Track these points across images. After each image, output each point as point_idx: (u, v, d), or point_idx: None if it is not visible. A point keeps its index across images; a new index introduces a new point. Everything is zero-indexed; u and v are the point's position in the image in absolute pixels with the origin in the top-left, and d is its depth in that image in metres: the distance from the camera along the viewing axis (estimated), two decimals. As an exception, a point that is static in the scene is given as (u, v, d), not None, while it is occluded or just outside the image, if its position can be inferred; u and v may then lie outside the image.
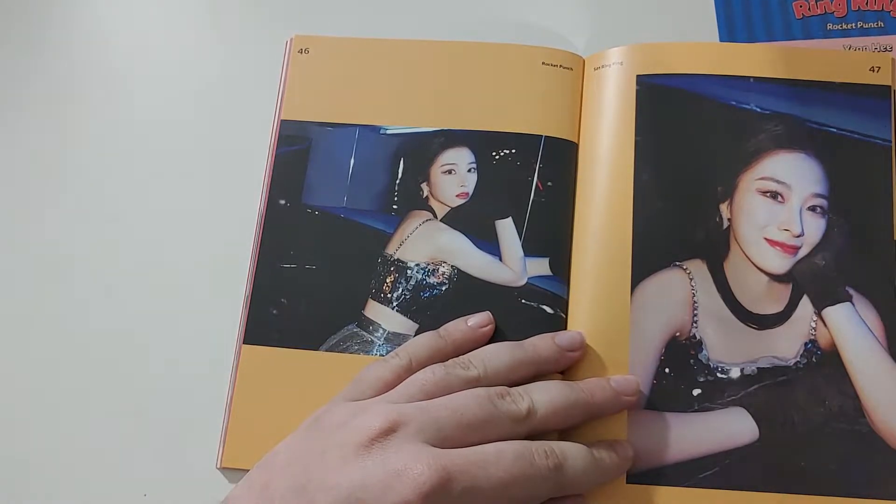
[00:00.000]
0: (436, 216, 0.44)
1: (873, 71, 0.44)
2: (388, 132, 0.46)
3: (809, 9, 0.48)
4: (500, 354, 0.38)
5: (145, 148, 0.49)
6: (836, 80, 0.44)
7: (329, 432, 0.34)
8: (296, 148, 0.46)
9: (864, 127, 0.43)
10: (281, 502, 0.32)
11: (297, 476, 0.32)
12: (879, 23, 0.47)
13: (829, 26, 0.48)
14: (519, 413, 0.35)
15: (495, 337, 0.41)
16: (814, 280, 0.41)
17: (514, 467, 0.33)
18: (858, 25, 0.47)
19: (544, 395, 0.36)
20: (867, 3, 0.47)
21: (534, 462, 0.33)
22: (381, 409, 0.34)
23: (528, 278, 0.42)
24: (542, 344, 0.39)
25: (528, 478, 0.33)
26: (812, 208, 0.42)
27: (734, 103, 0.44)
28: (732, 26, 0.48)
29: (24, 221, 0.48)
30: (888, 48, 0.46)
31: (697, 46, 0.46)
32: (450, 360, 0.38)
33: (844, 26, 0.47)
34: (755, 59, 0.45)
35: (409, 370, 0.37)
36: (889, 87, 0.44)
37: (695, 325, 0.41)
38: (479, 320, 0.40)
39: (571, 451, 0.35)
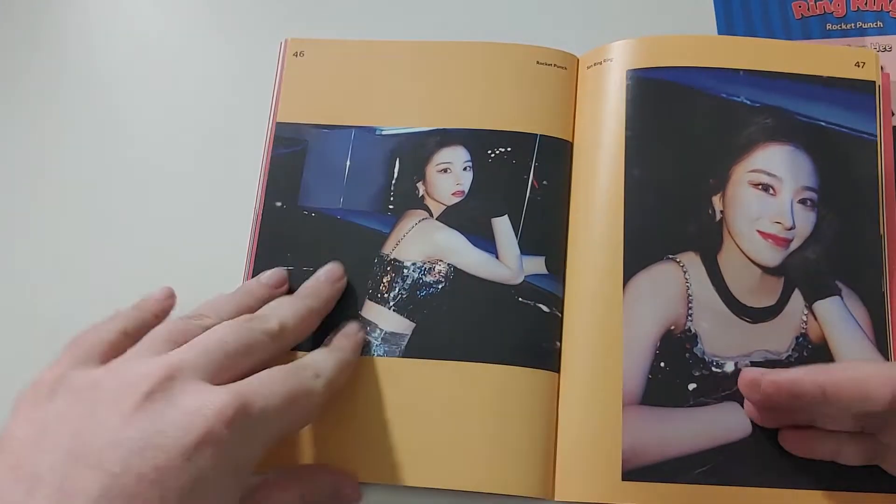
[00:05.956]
0: (432, 215, 0.44)
1: (858, 66, 0.44)
2: (384, 133, 0.46)
3: (809, 9, 0.48)
4: (226, 303, 0.39)
5: (140, 151, 0.49)
6: (823, 74, 0.44)
7: (83, 395, 0.32)
8: (291, 150, 0.46)
9: (850, 121, 0.44)
10: (53, 476, 0.29)
11: (64, 444, 0.30)
12: (879, 23, 0.47)
13: (829, 26, 0.48)
14: (273, 329, 0.37)
15: (493, 335, 0.41)
16: (805, 274, 0.42)
17: (287, 382, 0.34)
18: (858, 25, 0.48)
19: (286, 310, 0.38)
20: (866, 4, 0.48)
21: (298, 374, 0.35)
22: (149, 360, 0.33)
23: (525, 277, 0.43)
24: (252, 285, 0.42)
25: (302, 390, 0.35)
26: (802, 201, 0.43)
27: (724, 96, 0.44)
28: (732, 27, 0.48)
29: (20, 223, 0.48)
30: (888, 48, 0.47)
31: (686, 39, 0.45)
32: (184, 315, 0.38)
33: (844, 26, 0.48)
34: (744, 52, 0.45)
35: (128, 335, 0.37)
36: (874, 82, 0.44)
37: (690, 318, 0.41)
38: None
39: (320, 356, 0.38)
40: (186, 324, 0.36)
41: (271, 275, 0.42)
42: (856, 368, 0.35)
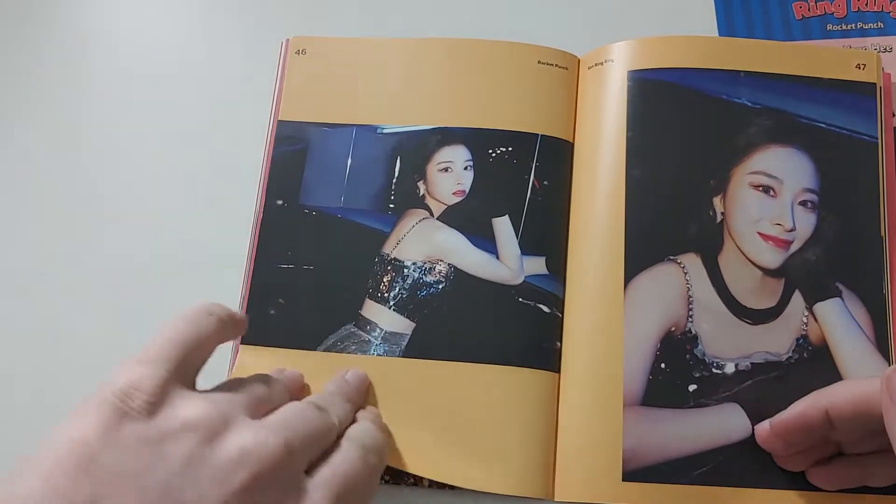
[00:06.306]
0: (432, 214, 0.44)
1: (859, 68, 0.45)
2: (385, 131, 0.46)
3: (809, 10, 0.48)
4: (270, 386, 0.37)
5: (141, 149, 0.49)
6: (824, 76, 0.45)
7: (186, 437, 0.29)
8: (293, 148, 0.46)
9: (851, 123, 0.44)
10: None
11: (152, 496, 0.28)
12: (879, 24, 0.48)
13: (829, 27, 0.48)
14: (334, 424, 0.36)
15: (493, 336, 0.41)
16: (805, 275, 0.42)
17: (362, 470, 0.34)
18: (858, 26, 0.48)
19: (340, 409, 0.37)
20: (867, 4, 0.48)
21: (367, 463, 0.35)
22: (260, 431, 0.31)
23: (526, 277, 0.43)
24: (281, 385, 0.39)
25: (372, 476, 0.35)
26: (803, 203, 0.43)
27: (725, 97, 0.44)
28: (732, 28, 0.49)
29: (19, 222, 0.48)
30: (888, 49, 0.47)
31: (687, 40, 0.46)
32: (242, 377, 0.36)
33: (844, 27, 0.48)
34: (745, 54, 0.45)
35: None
36: (874, 83, 0.44)
37: (690, 319, 0.41)
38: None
39: (372, 440, 0.37)
40: (262, 392, 0.35)
41: (299, 378, 0.41)
42: (854, 386, 0.35)
